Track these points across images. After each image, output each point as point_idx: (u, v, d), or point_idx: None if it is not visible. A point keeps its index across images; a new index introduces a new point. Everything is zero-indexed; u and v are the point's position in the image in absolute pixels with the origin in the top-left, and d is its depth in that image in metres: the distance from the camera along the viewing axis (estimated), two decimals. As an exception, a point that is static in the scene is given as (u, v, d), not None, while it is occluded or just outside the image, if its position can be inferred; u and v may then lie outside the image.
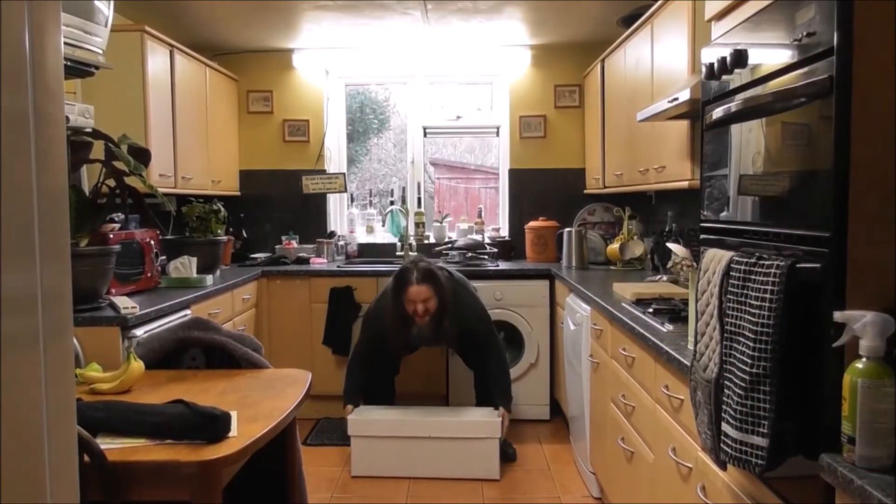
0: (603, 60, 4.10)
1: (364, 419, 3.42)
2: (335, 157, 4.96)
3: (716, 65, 1.61)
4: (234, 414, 1.66)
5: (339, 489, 3.22)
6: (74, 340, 2.24)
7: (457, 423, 3.39)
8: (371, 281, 4.11)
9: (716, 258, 1.47)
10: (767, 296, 1.22)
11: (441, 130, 5.03)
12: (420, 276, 3.32)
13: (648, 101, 3.02)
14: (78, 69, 2.47)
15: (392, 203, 5.00)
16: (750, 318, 1.27)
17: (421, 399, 4.11)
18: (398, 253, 4.70)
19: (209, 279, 3.51)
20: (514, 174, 4.83)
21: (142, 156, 2.61)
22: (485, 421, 3.37)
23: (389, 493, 3.18)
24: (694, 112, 2.42)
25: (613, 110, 3.94)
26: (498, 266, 4.29)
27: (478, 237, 4.65)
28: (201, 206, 3.81)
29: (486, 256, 4.42)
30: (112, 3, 2.58)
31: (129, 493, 1.49)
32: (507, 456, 3.54)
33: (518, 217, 4.80)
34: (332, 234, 4.80)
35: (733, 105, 1.50)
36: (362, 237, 5.01)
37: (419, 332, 3.46)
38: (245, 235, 4.75)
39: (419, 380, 3.98)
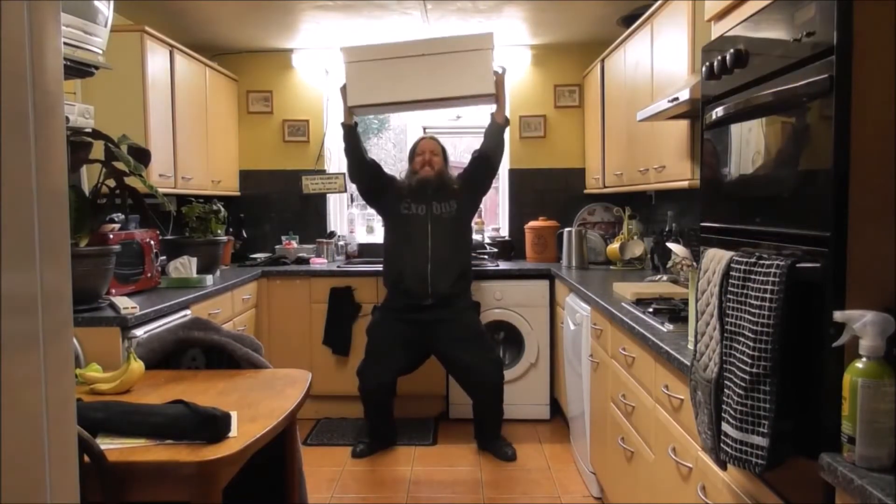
0: (603, 60, 4.10)
1: (357, 46, 3.46)
2: (335, 157, 4.96)
3: (716, 65, 1.61)
4: (234, 414, 1.66)
5: (339, 489, 3.23)
6: (74, 340, 2.25)
7: (450, 39, 3.41)
8: (371, 281, 4.12)
9: (716, 258, 1.47)
10: (767, 295, 1.22)
11: (441, 130, 5.03)
12: (431, 137, 3.84)
13: (648, 100, 3.02)
14: (78, 69, 2.47)
15: (392, 203, 4.99)
16: (750, 317, 1.27)
17: (421, 399, 4.12)
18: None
19: (209, 279, 3.51)
20: (514, 174, 4.83)
21: (142, 156, 2.61)
22: (477, 33, 3.40)
23: (389, 492, 3.18)
24: (694, 112, 2.42)
25: (613, 110, 3.94)
26: (498, 266, 4.29)
27: (478, 237, 4.65)
28: (201, 206, 3.81)
29: (485, 256, 4.43)
30: (112, 3, 2.58)
31: (129, 493, 1.49)
32: (506, 456, 3.55)
33: (518, 217, 4.80)
34: (332, 235, 4.81)
35: (733, 105, 1.50)
36: (362, 237, 5.01)
37: (423, 180, 3.63)
38: (245, 235, 4.75)
39: (419, 381, 3.97)
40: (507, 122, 3.68)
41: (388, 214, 3.78)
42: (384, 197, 3.74)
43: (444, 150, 3.75)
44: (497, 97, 3.52)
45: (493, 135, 3.66)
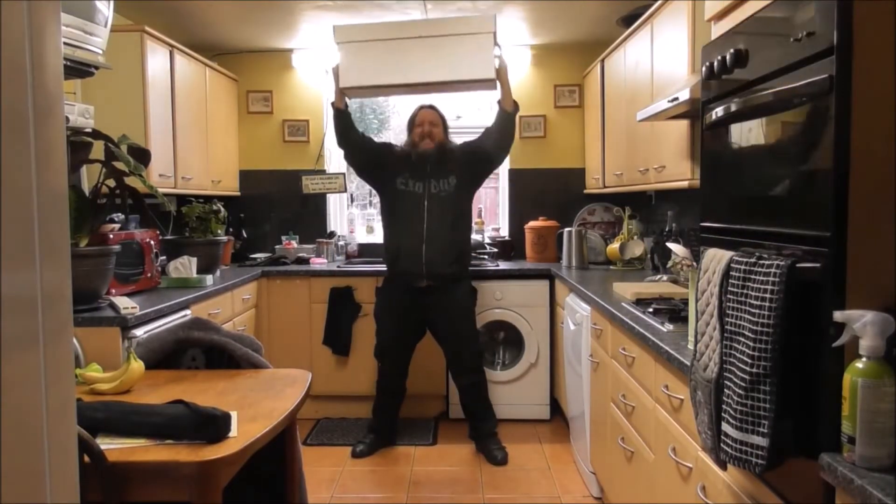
0: (603, 60, 4.10)
1: (351, 25, 3.34)
2: (335, 157, 4.95)
3: (716, 65, 1.61)
4: (234, 414, 1.66)
5: (339, 489, 3.23)
6: (74, 340, 2.25)
7: (449, 20, 3.30)
8: (371, 281, 4.11)
9: (716, 258, 1.47)
10: (767, 295, 1.22)
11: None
12: (430, 105, 3.64)
13: (648, 100, 3.02)
14: (78, 69, 2.47)
15: (392, 203, 4.98)
16: (750, 317, 1.27)
17: (421, 399, 4.12)
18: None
19: (209, 279, 3.51)
20: (513, 174, 4.83)
21: (142, 156, 2.61)
22: (477, 16, 3.29)
23: (389, 492, 3.18)
24: (694, 112, 2.42)
25: (613, 110, 3.94)
26: (498, 266, 4.29)
27: (478, 237, 4.65)
28: (201, 206, 3.81)
29: (486, 256, 4.43)
30: (112, 3, 2.58)
31: (129, 493, 1.49)
32: (495, 459, 3.51)
33: (518, 217, 4.80)
34: (332, 234, 4.80)
35: (733, 105, 1.50)
36: (362, 237, 5.01)
37: (422, 154, 3.52)
38: (245, 235, 4.75)
39: (419, 380, 3.97)
40: (515, 107, 3.56)
41: (383, 190, 3.69)
42: (380, 172, 3.66)
43: (443, 120, 3.62)
44: (500, 83, 3.44)
45: (499, 123, 3.57)
